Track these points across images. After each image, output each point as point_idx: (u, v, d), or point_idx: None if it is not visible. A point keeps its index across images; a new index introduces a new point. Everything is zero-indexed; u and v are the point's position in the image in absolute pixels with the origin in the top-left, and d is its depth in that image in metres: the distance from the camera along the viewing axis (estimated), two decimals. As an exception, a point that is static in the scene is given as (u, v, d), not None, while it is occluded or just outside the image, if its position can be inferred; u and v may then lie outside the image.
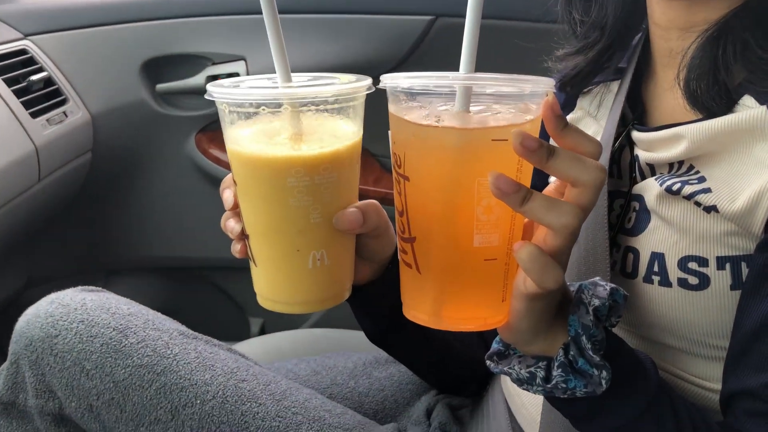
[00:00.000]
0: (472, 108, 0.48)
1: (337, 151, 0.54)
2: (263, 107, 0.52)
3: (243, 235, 0.58)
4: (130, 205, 1.47)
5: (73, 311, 0.71)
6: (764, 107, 0.55)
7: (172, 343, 0.71)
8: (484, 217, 0.49)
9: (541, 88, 0.48)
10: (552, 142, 0.50)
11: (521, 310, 0.51)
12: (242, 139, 0.54)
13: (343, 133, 0.56)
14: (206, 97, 0.53)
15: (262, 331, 1.54)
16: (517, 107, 0.49)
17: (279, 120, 0.54)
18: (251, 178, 0.54)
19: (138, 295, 1.51)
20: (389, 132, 0.52)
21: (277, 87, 0.55)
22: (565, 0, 0.74)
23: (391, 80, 0.50)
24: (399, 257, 0.54)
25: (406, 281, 0.54)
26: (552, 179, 0.54)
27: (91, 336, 0.69)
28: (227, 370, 0.72)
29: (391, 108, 0.51)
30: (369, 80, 0.56)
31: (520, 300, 0.51)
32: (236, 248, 0.59)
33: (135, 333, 0.70)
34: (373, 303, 0.72)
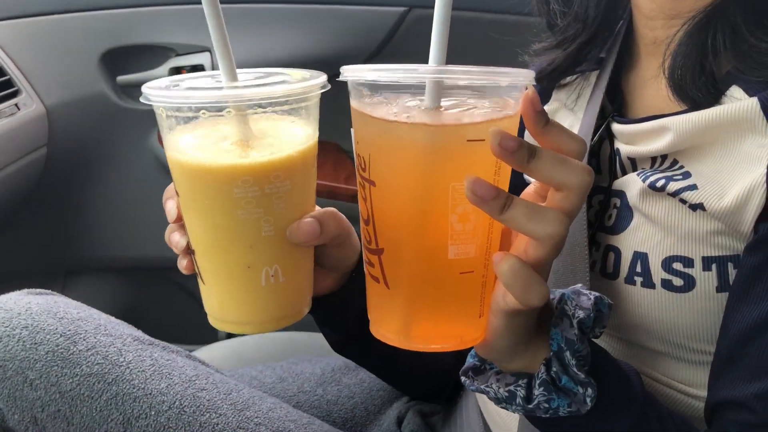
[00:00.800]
0: (444, 103, 0.44)
1: (289, 157, 0.49)
2: (203, 111, 0.47)
3: (189, 250, 0.53)
4: (89, 203, 1.41)
5: (16, 316, 0.66)
6: (755, 99, 0.52)
7: (125, 349, 0.66)
8: (460, 225, 0.44)
9: (519, 81, 0.44)
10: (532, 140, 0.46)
11: (500, 326, 0.47)
12: (182, 146, 0.49)
13: (296, 137, 0.51)
14: (141, 100, 0.47)
15: (229, 335, 1.49)
16: (493, 102, 0.45)
17: (224, 124, 0.49)
18: (194, 188, 0.49)
19: (99, 296, 1.47)
20: (352, 130, 0.48)
21: (220, 88, 0.50)
22: None
23: (352, 72, 0.45)
24: (365, 270, 0.49)
25: (373, 297, 0.50)
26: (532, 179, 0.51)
27: (36, 343, 0.64)
28: (185, 379, 0.67)
29: (354, 103, 0.47)
30: (323, 77, 0.51)
31: (498, 316, 0.47)
32: (182, 264, 0.55)
33: (84, 339, 0.65)
34: (335, 314, 0.68)
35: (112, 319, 0.71)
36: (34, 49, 1.27)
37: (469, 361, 0.54)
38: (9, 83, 1.21)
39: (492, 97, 0.45)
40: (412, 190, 0.44)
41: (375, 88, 0.45)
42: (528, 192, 0.50)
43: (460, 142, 0.43)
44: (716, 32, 0.56)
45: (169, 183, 1.50)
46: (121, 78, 1.31)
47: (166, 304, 1.52)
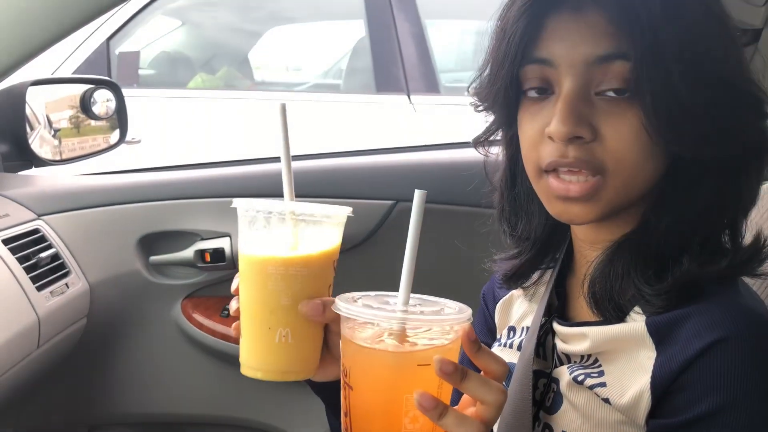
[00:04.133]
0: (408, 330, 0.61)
1: (309, 254, 0.71)
2: (260, 212, 0.71)
3: (238, 314, 0.73)
4: (116, 365, 1.58)
5: None
6: (642, 322, 0.68)
7: None
8: (411, 425, 0.60)
9: (462, 319, 0.61)
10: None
11: None
12: (243, 242, 0.72)
13: (321, 241, 0.72)
14: (232, 206, 0.72)
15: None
16: (441, 329, 0.62)
17: (276, 227, 0.71)
18: (245, 268, 0.72)
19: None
20: (340, 343, 0.65)
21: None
22: (500, 213, 0.87)
23: (343, 309, 0.63)
24: None
25: None
26: None
27: None
28: None
29: (342, 326, 0.65)
30: (349, 209, 0.73)
31: None
32: (233, 327, 0.74)
33: None
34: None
35: None
36: (84, 235, 1.49)
37: None
38: (62, 266, 1.41)
39: (440, 327, 0.62)
40: (378, 397, 0.61)
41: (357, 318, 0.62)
42: (465, 399, 0.64)
43: (412, 365, 0.60)
44: (618, 267, 0.71)
45: (186, 348, 1.66)
46: (153, 258, 1.52)
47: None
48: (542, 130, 0.71)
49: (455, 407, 0.62)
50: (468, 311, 0.62)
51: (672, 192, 0.72)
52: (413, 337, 0.62)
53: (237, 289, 0.74)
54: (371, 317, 0.61)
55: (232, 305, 0.74)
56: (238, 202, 0.71)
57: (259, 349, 0.71)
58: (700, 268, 0.68)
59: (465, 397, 0.64)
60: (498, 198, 0.87)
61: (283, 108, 0.73)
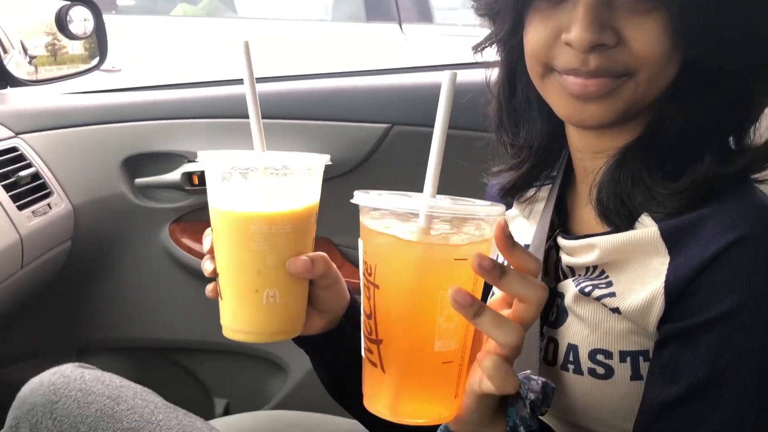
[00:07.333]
0: (435, 224, 0.56)
1: (292, 210, 0.67)
2: (234, 168, 0.66)
3: (215, 274, 0.69)
4: (104, 289, 1.55)
5: (72, 381, 0.82)
6: (655, 227, 0.67)
7: (156, 411, 0.82)
8: (445, 325, 0.55)
9: (493, 215, 0.56)
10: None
11: (472, 405, 0.59)
12: (219, 198, 0.67)
13: (302, 195, 0.68)
14: (197, 161, 0.65)
15: (226, 412, 1.59)
16: (473, 226, 0.57)
17: (251, 182, 0.67)
18: (224, 227, 0.67)
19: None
20: (359, 240, 0.59)
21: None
22: (497, 125, 0.85)
23: (364, 199, 0.57)
24: (364, 355, 0.60)
25: (370, 377, 0.60)
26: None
27: (87, 402, 0.80)
28: None
29: (364, 220, 0.59)
30: (327, 156, 0.69)
31: (472, 397, 0.58)
32: (209, 289, 0.71)
33: (125, 401, 0.81)
34: (327, 352, 0.81)
35: (145, 388, 0.87)
36: (66, 156, 1.44)
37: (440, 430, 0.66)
38: (43, 186, 1.37)
39: (472, 222, 0.57)
40: (410, 295, 0.55)
41: (382, 210, 0.57)
42: (496, 299, 0.61)
43: (449, 260, 0.55)
44: (629, 171, 0.69)
45: (174, 273, 1.64)
46: (139, 180, 1.47)
47: (167, 382, 1.61)
48: (556, 34, 0.69)
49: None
50: (501, 207, 0.58)
51: (687, 94, 0.70)
52: (443, 232, 0.56)
53: (212, 248, 0.69)
54: (397, 206, 0.56)
55: (207, 266, 0.70)
56: (203, 157, 0.65)
57: (246, 311, 0.67)
58: (719, 167, 0.67)
59: (496, 300, 0.61)
60: (496, 109, 0.85)
61: (247, 45, 0.66)
